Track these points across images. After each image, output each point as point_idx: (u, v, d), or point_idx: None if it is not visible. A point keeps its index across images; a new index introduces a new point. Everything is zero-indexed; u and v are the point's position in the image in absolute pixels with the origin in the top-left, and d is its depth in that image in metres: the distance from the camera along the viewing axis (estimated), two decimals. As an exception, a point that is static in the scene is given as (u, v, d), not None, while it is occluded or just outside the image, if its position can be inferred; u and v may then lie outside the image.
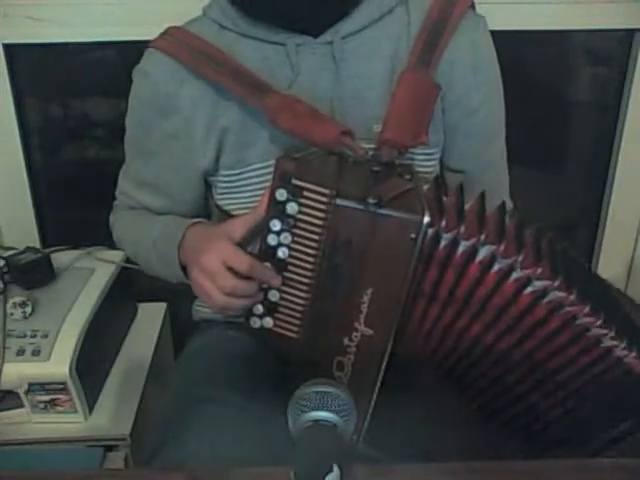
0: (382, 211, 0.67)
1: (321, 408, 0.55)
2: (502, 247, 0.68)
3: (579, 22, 1.35)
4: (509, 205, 1.01)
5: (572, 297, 0.68)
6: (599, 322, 0.68)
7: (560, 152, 1.57)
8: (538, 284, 0.68)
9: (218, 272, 0.75)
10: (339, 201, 0.68)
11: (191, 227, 0.89)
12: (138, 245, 0.97)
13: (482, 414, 0.77)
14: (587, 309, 0.68)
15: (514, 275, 0.68)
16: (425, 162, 0.91)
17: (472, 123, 0.92)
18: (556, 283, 0.68)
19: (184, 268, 0.87)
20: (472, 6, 0.91)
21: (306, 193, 0.70)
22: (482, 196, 0.72)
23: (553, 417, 0.75)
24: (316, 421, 0.54)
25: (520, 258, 0.68)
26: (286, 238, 0.72)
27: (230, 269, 0.75)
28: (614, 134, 1.48)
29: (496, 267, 0.68)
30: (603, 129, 1.50)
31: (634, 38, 1.40)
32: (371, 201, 0.67)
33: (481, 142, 0.94)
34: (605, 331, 0.68)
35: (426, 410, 0.73)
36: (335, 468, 0.50)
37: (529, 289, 0.68)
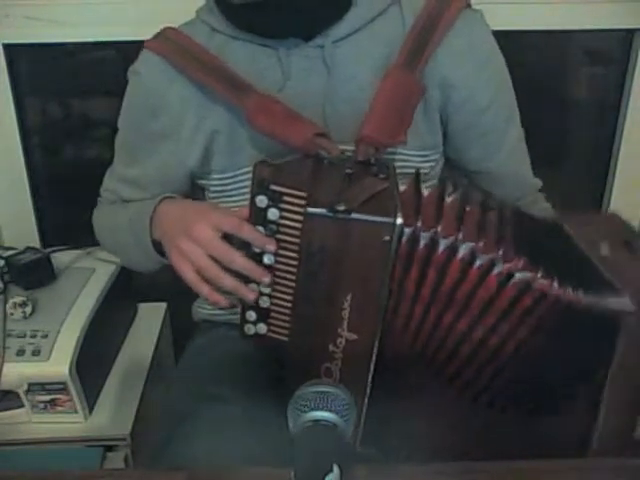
0: (353, 216, 0.66)
1: (321, 408, 0.54)
2: (481, 244, 0.67)
3: (579, 22, 1.35)
4: (538, 183, 1.02)
5: (555, 285, 0.66)
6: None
7: (560, 152, 1.57)
8: (519, 276, 0.66)
9: (212, 237, 0.74)
10: (309, 209, 0.67)
11: (164, 202, 0.87)
12: (116, 232, 0.96)
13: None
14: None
15: (496, 270, 0.67)
16: (422, 164, 0.91)
17: (485, 121, 0.92)
18: (539, 274, 0.66)
19: (159, 246, 0.85)
20: (468, 6, 0.89)
21: (285, 198, 0.69)
22: (465, 192, 0.71)
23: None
24: (316, 421, 0.54)
25: (500, 253, 0.67)
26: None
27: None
28: (614, 134, 1.48)
29: (477, 263, 0.67)
30: (603, 129, 1.50)
31: (634, 38, 1.40)
32: (340, 208, 0.66)
33: (498, 135, 0.94)
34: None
35: (423, 409, 0.73)
36: (335, 468, 0.50)
37: (513, 281, 0.67)
